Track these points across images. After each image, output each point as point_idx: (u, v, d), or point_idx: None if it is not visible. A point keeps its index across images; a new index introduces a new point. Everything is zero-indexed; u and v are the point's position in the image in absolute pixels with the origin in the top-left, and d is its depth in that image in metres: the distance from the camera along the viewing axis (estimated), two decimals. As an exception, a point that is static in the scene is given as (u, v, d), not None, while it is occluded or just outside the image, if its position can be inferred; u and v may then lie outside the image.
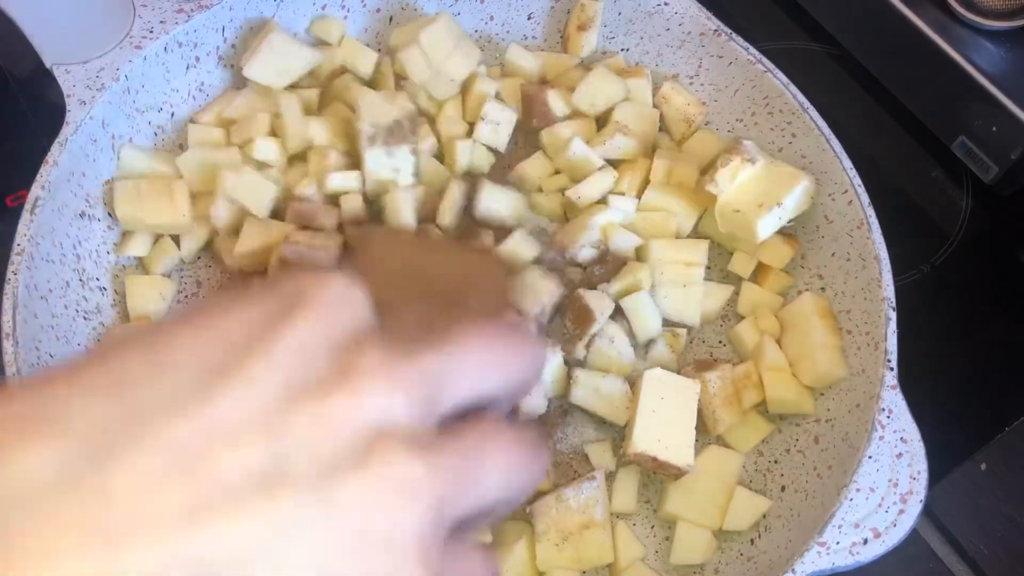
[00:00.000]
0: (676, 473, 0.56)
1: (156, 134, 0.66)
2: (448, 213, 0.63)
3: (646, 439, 0.56)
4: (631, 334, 0.62)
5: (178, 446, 0.21)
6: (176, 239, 0.65)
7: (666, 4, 0.70)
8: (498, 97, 0.70)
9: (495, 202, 0.64)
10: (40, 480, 0.20)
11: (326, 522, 0.21)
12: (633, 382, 0.60)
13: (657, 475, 0.58)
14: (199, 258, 0.66)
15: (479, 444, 0.25)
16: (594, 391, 0.59)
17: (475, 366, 0.26)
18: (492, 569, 0.27)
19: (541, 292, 0.60)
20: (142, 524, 0.20)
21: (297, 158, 0.66)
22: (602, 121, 0.70)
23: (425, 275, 0.39)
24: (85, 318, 0.61)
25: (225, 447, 0.21)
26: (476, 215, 0.64)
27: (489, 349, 0.26)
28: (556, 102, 0.68)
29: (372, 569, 0.22)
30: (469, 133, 0.68)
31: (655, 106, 0.70)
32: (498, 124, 0.67)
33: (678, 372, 0.61)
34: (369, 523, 0.22)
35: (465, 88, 0.70)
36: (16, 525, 0.20)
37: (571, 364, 0.61)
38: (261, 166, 0.64)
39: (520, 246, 0.62)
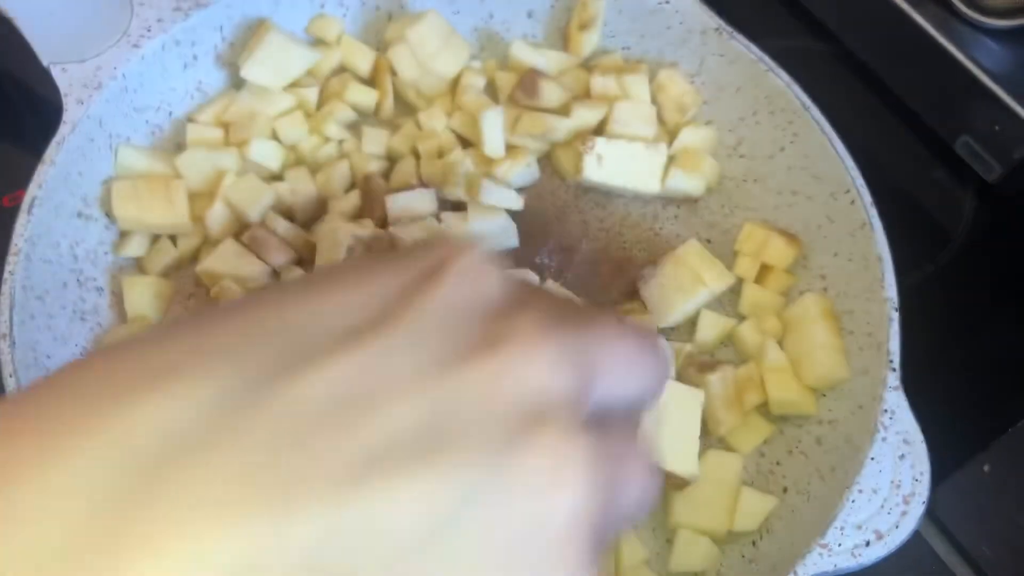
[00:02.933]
0: (680, 483, 0.56)
1: (154, 133, 0.66)
2: None
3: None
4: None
5: (336, 395, 0.19)
6: (174, 239, 0.64)
7: (667, 2, 0.70)
8: (487, 89, 0.70)
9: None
10: (174, 424, 0.18)
11: (500, 493, 0.19)
12: None
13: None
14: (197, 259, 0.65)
15: (625, 443, 0.23)
16: None
17: (623, 357, 0.24)
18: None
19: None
20: (306, 486, 0.18)
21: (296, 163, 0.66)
22: (601, 125, 0.69)
23: None
24: (82, 319, 0.60)
25: (387, 401, 0.19)
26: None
27: (633, 343, 0.24)
28: (551, 90, 0.68)
29: (545, 552, 0.20)
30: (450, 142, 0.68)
31: (652, 95, 0.70)
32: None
33: (679, 373, 0.61)
34: (544, 500, 0.20)
35: (454, 83, 0.70)
36: (140, 489, 0.17)
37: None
38: (259, 169, 0.64)
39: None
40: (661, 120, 0.71)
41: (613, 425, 0.23)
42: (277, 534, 0.17)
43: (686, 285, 0.63)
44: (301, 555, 0.17)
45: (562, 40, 0.74)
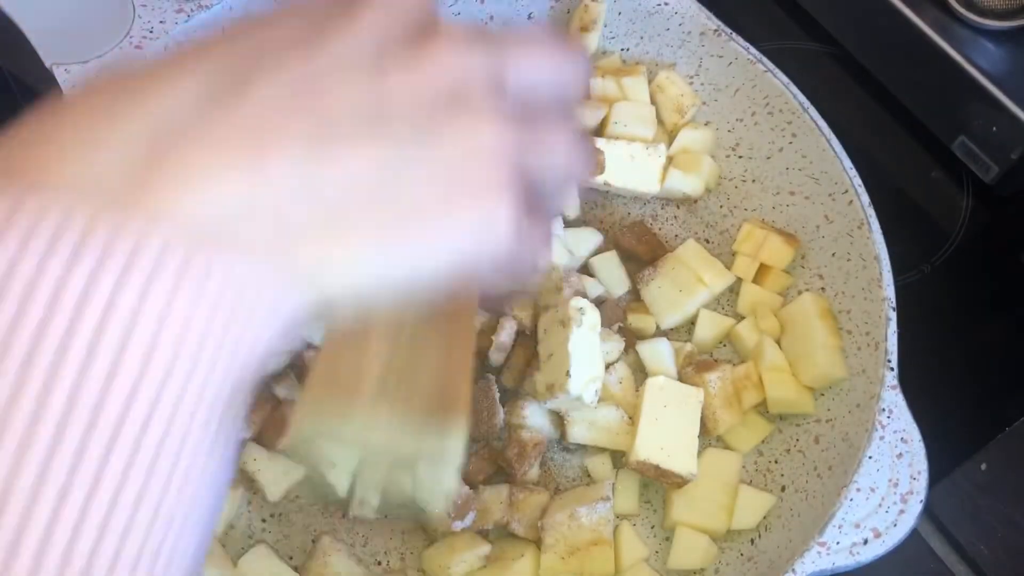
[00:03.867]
0: (679, 482, 0.56)
1: (156, 134, 0.66)
2: None
3: (648, 447, 0.56)
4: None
5: (290, 87, 0.24)
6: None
7: (666, 4, 0.70)
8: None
9: None
10: (173, 110, 0.24)
11: (434, 144, 0.25)
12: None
13: (659, 483, 0.58)
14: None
15: (544, 119, 0.29)
16: (590, 426, 0.59)
17: (534, 47, 0.29)
18: (549, 237, 0.31)
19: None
20: (274, 144, 0.24)
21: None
22: (600, 125, 0.69)
23: None
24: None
25: (333, 89, 0.25)
26: None
27: (544, 38, 0.29)
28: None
29: (475, 180, 0.26)
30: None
31: (651, 97, 0.71)
32: None
33: (679, 373, 0.61)
34: (469, 145, 0.26)
35: None
36: (165, 147, 0.23)
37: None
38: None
39: None
40: (660, 121, 0.71)
41: (538, 106, 0.29)
42: (264, 174, 0.24)
43: (685, 285, 0.63)
44: (282, 193, 0.24)
45: (561, 41, 0.74)
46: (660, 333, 0.64)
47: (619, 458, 0.60)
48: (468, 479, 0.57)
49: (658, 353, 0.62)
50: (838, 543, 0.51)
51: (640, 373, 0.62)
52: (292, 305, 0.25)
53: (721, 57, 0.69)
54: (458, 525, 0.54)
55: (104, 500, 0.22)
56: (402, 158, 0.25)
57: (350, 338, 0.31)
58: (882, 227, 0.60)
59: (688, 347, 0.63)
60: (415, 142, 0.25)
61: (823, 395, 0.60)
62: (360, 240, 0.25)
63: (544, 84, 0.29)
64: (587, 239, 0.66)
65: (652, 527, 0.59)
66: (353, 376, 0.30)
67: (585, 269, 0.66)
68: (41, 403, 0.21)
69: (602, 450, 0.60)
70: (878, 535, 0.51)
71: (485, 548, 0.56)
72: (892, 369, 0.56)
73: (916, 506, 0.52)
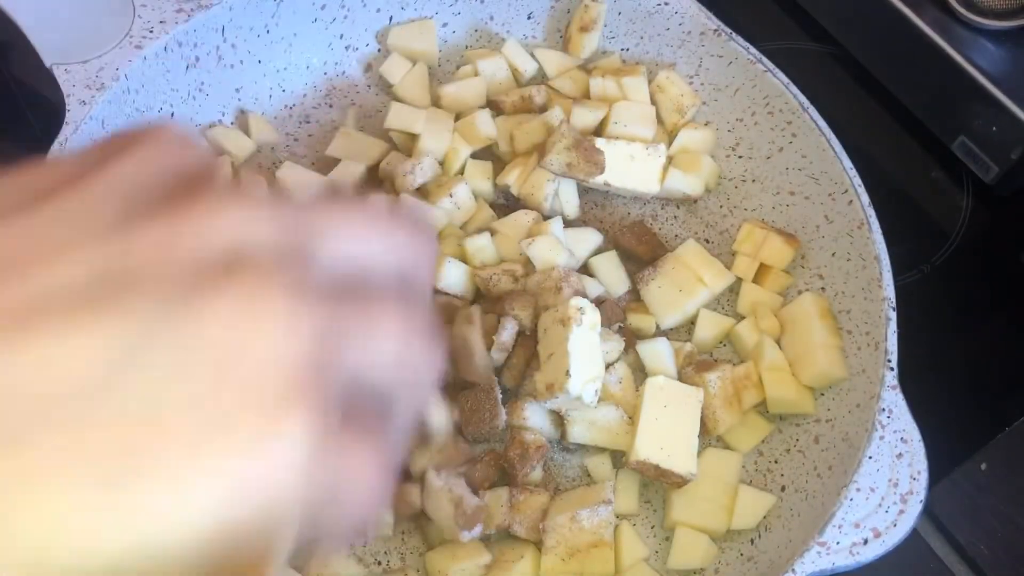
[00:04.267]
0: (678, 482, 0.56)
1: (156, 134, 0.66)
2: None
3: (648, 447, 0.56)
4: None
5: (3, 253, 0.18)
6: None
7: (666, 4, 0.70)
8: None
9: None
10: None
11: (183, 335, 0.18)
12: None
13: (659, 483, 0.58)
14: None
15: (368, 302, 0.22)
16: (590, 426, 0.59)
17: (351, 221, 0.22)
18: (387, 474, 0.22)
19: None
20: None
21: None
22: (600, 125, 0.69)
23: None
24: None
25: (52, 258, 0.18)
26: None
27: (364, 211, 0.23)
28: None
29: (246, 391, 0.18)
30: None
31: (651, 97, 0.71)
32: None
33: (679, 372, 0.61)
34: (237, 338, 0.18)
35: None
36: None
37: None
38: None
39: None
40: (660, 121, 0.71)
41: (367, 288, 0.22)
42: None
43: (685, 285, 0.63)
44: None
45: (562, 41, 0.75)
46: (660, 333, 0.64)
47: (619, 458, 0.60)
48: (473, 486, 0.57)
49: (658, 353, 0.62)
50: (838, 543, 0.51)
51: (640, 373, 0.62)
52: None
53: (721, 57, 0.69)
54: (466, 536, 0.54)
55: None
56: (139, 346, 0.18)
57: None
58: (882, 227, 0.60)
59: (688, 347, 0.63)
60: (161, 322, 0.18)
61: (823, 395, 0.60)
62: (60, 491, 0.17)
63: (373, 262, 0.23)
64: (587, 239, 0.66)
65: (652, 527, 0.59)
66: None
67: (585, 269, 0.66)
68: None
69: (602, 450, 0.60)
70: (878, 535, 0.51)
71: (487, 557, 0.56)
72: (892, 369, 0.56)
73: (916, 506, 0.52)
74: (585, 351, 0.55)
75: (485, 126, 0.68)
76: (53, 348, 0.17)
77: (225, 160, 0.66)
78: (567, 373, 0.54)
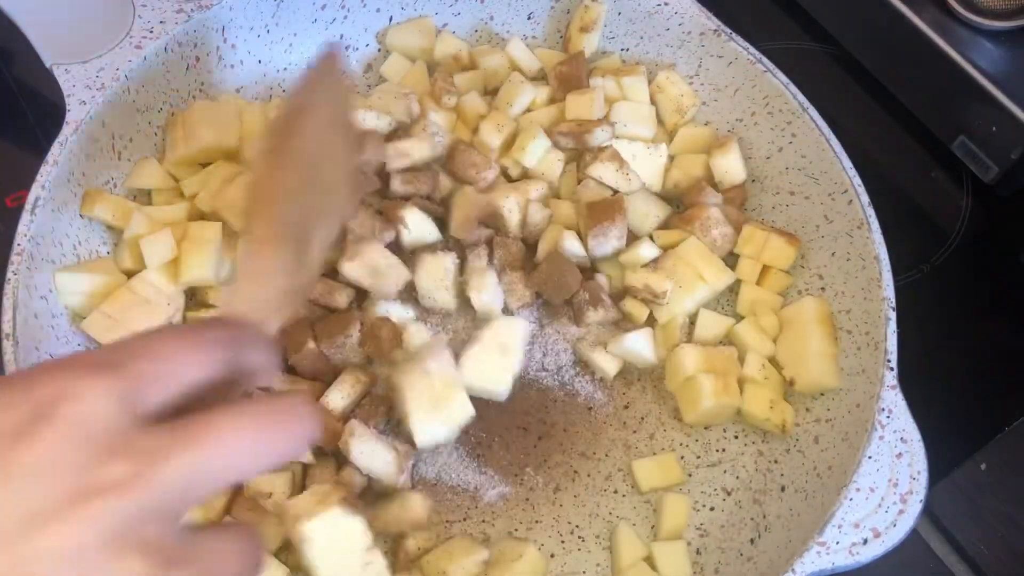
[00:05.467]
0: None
1: (156, 134, 0.66)
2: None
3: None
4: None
5: None
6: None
7: (666, 4, 0.70)
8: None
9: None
10: None
11: None
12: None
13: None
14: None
15: (215, 549, 0.29)
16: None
17: (233, 456, 0.29)
18: (251, 552, 0.30)
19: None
20: None
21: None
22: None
23: (316, 165, 0.43)
24: (85, 319, 0.61)
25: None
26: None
27: (252, 435, 0.29)
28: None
29: None
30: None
31: (651, 96, 0.71)
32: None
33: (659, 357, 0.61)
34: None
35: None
36: None
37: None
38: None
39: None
40: (660, 121, 0.71)
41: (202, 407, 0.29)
42: None
43: (686, 283, 0.63)
44: None
45: (562, 42, 0.75)
46: (651, 322, 0.64)
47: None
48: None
49: (631, 350, 0.62)
50: (838, 543, 0.51)
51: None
52: None
53: (721, 57, 0.69)
54: (401, 479, 0.56)
55: None
56: None
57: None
58: (882, 227, 0.60)
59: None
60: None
61: (823, 395, 0.60)
62: None
63: (195, 383, 0.29)
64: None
65: (652, 527, 0.59)
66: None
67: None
68: None
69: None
70: (878, 535, 0.51)
71: (484, 554, 0.56)
72: (892, 369, 0.56)
73: (916, 506, 0.52)
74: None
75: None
76: None
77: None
78: None
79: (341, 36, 0.72)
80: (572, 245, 0.64)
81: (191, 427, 0.28)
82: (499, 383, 0.59)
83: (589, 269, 0.65)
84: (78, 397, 0.26)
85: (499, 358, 0.59)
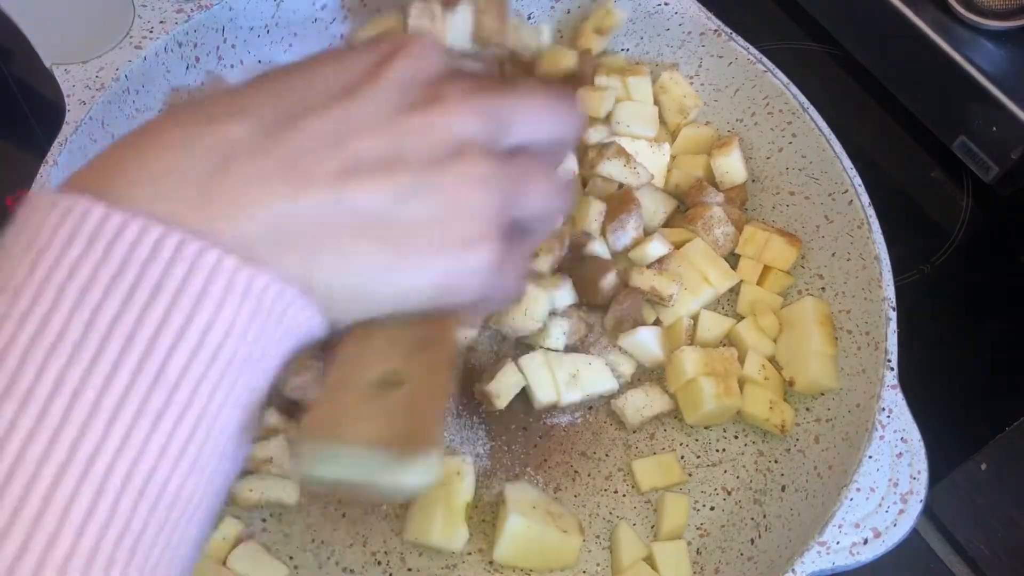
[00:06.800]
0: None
1: (156, 134, 0.66)
2: None
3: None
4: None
5: (327, 131, 0.30)
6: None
7: (666, 4, 0.70)
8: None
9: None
10: (232, 143, 0.29)
11: (431, 193, 0.31)
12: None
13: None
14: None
15: (530, 168, 0.34)
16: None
17: (532, 110, 0.35)
18: (524, 274, 0.38)
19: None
20: (309, 178, 0.29)
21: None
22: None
23: None
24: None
25: (360, 136, 0.30)
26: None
27: (543, 102, 0.35)
28: None
29: (462, 226, 0.32)
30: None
31: (654, 96, 0.71)
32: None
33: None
34: (460, 196, 0.31)
35: None
36: (222, 176, 0.29)
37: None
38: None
39: None
40: (662, 121, 0.71)
41: (529, 155, 0.34)
42: (297, 203, 0.29)
43: (692, 285, 0.63)
44: (310, 218, 0.29)
45: (563, 41, 0.74)
46: (656, 324, 0.64)
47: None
48: None
49: (642, 344, 0.62)
50: (838, 543, 0.51)
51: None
52: (308, 325, 0.31)
53: (721, 57, 0.69)
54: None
55: (145, 467, 0.27)
56: (408, 197, 0.31)
57: (352, 352, 0.34)
58: (882, 227, 0.60)
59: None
60: (421, 183, 0.31)
61: (823, 395, 0.60)
62: (367, 261, 0.31)
63: (540, 137, 0.35)
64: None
65: (652, 527, 0.59)
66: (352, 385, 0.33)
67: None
68: (115, 365, 0.27)
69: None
70: (878, 535, 0.51)
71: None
72: (892, 369, 0.56)
73: (916, 506, 0.52)
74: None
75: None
76: (361, 192, 0.30)
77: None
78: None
79: (341, 36, 0.72)
80: (594, 246, 0.64)
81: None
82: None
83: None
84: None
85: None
